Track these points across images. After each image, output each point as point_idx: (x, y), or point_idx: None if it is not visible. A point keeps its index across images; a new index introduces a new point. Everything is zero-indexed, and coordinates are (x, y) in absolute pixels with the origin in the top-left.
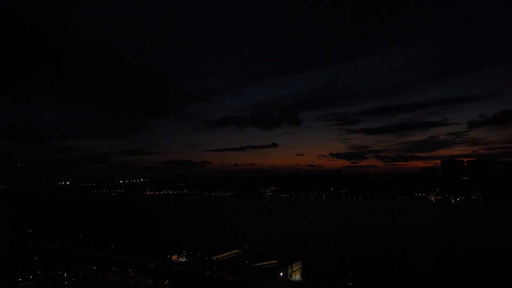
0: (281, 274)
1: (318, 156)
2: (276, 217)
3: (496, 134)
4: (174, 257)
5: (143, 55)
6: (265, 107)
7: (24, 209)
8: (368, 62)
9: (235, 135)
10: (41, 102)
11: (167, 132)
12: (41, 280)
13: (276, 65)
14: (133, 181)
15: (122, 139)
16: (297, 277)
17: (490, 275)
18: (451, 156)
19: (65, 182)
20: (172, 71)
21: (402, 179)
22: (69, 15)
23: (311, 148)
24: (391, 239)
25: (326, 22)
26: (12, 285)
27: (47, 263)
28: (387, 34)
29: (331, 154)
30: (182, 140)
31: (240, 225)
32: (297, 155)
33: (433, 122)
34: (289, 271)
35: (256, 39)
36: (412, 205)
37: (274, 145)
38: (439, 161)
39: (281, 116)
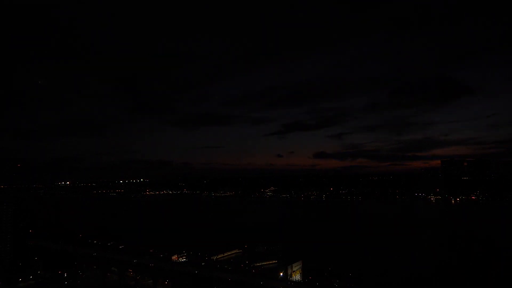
0: (281, 274)
1: (308, 156)
2: (276, 217)
3: (492, 133)
4: (174, 257)
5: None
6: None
7: (24, 209)
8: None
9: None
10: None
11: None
12: (41, 280)
13: (253, 55)
14: (133, 181)
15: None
16: (297, 277)
17: (490, 275)
18: (447, 156)
19: (65, 182)
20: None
21: (402, 179)
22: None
23: (296, 148)
24: (391, 239)
25: (309, 5)
26: (12, 285)
27: (47, 263)
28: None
29: (321, 153)
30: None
31: (240, 225)
32: (278, 156)
33: (429, 120)
34: (289, 271)
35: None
36: (412, 205)
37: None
38: (438, 161)
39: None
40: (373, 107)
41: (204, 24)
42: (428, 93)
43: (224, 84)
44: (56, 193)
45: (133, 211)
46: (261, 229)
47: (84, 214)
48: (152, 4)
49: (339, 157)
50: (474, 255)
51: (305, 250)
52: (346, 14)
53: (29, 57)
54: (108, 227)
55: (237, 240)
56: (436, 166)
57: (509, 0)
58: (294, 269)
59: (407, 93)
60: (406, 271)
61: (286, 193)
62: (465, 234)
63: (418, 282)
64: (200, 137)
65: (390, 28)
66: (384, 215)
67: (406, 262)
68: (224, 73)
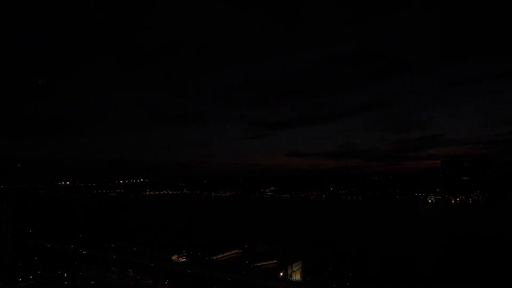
0: (281, 274)
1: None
2: (276, 217)
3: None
4: (174, 257)
5: None
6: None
7: (24, 209)
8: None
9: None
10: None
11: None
12: (41, 280)
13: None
14: (133, 181)
15: None
16: (297, 277)
17: (490, 275)
18: (444, 155)
19: (65, 182)
20: None
21: (402, 179)
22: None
23: (284, 147)
24: (391, 239)
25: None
26: (12, 285)
27: (47, 263)
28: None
29: (316, 153)
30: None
31: (240, 225)
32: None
33: (427, 119)
34: (289, 271)
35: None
36: (412, 205)
37: None
38: (438, 161)
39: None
40: (368, 104)
41: (186, 18)
42: (426, 89)
43: (208, 80)
44: (56, 193)
45: (133, 211)
46: (261, 229)
47: (84, 214)
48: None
49: (333, 156)
50: (474, 255)
51: (305, 250)
52: (342, 11)
53: (28, 56)
54: (108, 227)
55: (237, 240)
56: (436, 166)
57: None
58: (294, 269)
59: (403, 89)
60: (406, 271)
61: (286, 193)
62: (465, 234)
63: (418, 282)
64: (191, 135)
65: (386, 23)
66: (384, 215)
67: (406, 262)
68: (209, 68)
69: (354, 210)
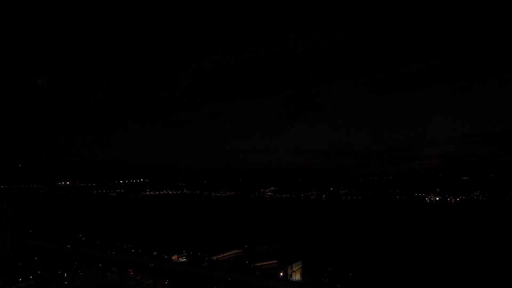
0: (281, 274)
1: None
2: (276, 217)
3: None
4: (174, 257)
5: None
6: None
7: (24, 209)
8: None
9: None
10: None
11: None
12: (41, 280)
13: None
14: (133, 181)
15: None
16: (297, 277)
17: (490, 275)
18: (440, 155)
19: (65, 182)
20: None
21: (402, 179)
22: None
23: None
24: (391, 239)
25: None
26: (12, 285)
27: (47, 263)
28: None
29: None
30: None
31: (240, 225)
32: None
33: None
34: (289, 271)
35: None
36: (412, 205)
37: None
38: (435, 161)
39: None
40: (360, 100)
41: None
42: (423, 84)
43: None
44: (56, 193)
45: (133, 211)
46: (261, 229)
47: (84, 214)
48: None
49: (323, 155)
50: (474, 254)
51: (305, 250)
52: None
53: (28, 56)
54: (108, 227)
55: (237, 240)
56: (436, 166)
57: None
58: (294, 269)
59: (398, 84)
60: (406, 271)
61: (286, 193)
62: (463, 234)
63: (418, 282)
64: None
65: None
66: (384, 215)
67: (405, 262)
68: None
69: (354, 210)
